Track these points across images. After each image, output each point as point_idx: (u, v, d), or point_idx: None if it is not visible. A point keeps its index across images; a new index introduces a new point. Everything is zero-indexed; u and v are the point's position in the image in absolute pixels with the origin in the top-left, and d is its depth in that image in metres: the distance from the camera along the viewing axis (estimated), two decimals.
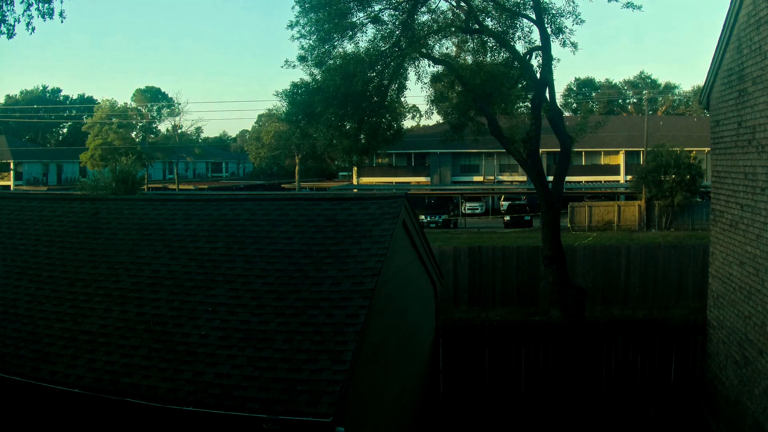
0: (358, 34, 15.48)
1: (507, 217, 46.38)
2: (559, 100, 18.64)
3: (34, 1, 11.69)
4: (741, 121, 11.41)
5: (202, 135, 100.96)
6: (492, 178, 59.08)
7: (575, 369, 13.73)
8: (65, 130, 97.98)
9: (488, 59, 16.09)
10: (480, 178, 59.37)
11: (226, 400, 6.56)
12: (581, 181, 55.45)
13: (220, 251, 8.87)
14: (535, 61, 15.96)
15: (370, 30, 15.70)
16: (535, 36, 17.37)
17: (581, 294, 15.90)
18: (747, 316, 11.11)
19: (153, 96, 78.80)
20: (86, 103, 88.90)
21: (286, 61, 16.85)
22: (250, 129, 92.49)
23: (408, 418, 10.60)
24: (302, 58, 16.06)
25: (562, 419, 13.62)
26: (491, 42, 15.35)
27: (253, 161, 78.57)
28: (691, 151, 42.48)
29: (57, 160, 79.59)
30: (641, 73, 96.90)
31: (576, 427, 13.35)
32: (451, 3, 15.87)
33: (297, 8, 15.34)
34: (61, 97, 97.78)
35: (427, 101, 18.55)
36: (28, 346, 7.68)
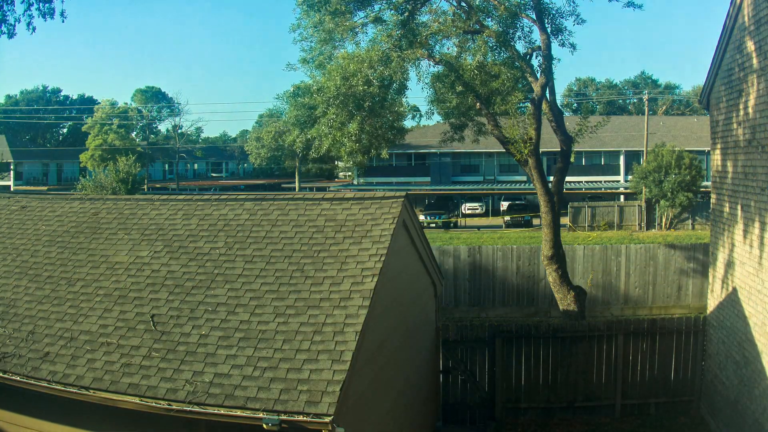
0: (359, 35, 15.51)
1: (507, 217, 46.36)
2: (559, 100, 18.64)
3: (34, 1, 11.71)
4: (741, 121, 11.41)
5: (203, 135, 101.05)
6: (492, 178, 59.06)
7: (575, 369, 13.72)
8: (65, 130, 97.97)
9: (489, 59, 16.09)
10: (480, 178, 59.35)
11: (226, 400, 6.56)
12: (581, 181, 55.44)
13: (220, 251, 8.87)
14: (536, 61, 15.99)
15: (371, 30, 15.72)
16: (536, 36, 17.36)
17: (581, 294, 15.90)
18: (747, 316, 11.12)
19: (153, 96, 78.86)
20: (86, 103, 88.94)
21: (288, 64, 16.95)
22: (250, 129, 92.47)
23: (408, 418, 10.60)
24: (304, 61, 16.10)
25: (561, 419, 13.62)
26: (492, 42, 15.34)
27: (253, 161, 78.58)
28: (691, 151, 42.47)
29: (57, 160, 79.65)
30: (642, 73, 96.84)
31: (576, 426, 13.35)
32: (451, 3, 15.89)
33: (298, 11, 15.38)
34: (61, 97, 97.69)
35: (428, 101, 18.58)
36: (28, 346, 7.68)
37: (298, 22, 15.46)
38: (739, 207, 11.64)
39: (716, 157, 13.06)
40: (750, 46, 10.82)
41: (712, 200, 13.39)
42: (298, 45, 15.77)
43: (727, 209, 12.38)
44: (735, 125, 11.79)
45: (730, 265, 12.18)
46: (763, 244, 10.40)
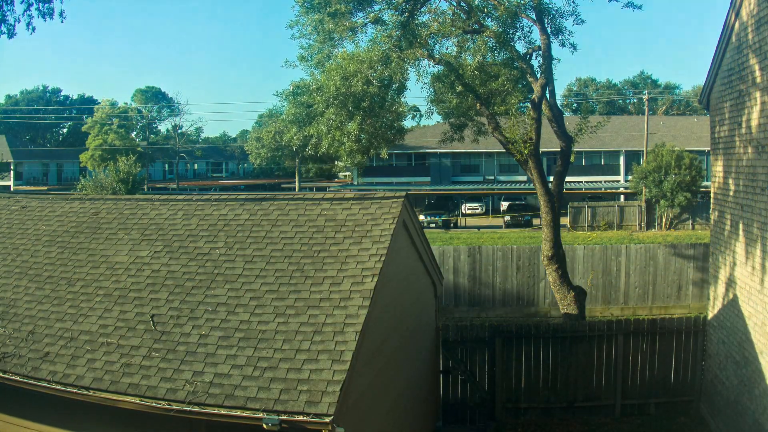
0: (359, 34, 15.49)
1: (507, 217, 46.37)
2: (559, 100, 18.64)
3: (34, 1, 11.70)
4: (741, 121, 11.41)
5: (203, 135, 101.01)
6: (492, 178, 59.04)
7: (575, 369, 13.72)
8: (65, 130, 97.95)
9: (489, 59, 16.08)
10: (480, 178, 59.34)
11: (226, 400, 6.57)
12: (581, 181, 55.44)
13: (220, 251, 8.87)
14: (536, 61, 15.98)
15: (371, 30, 15.70)
16: (536, 36, 17.36)
17: (581, 294, 15.90)
18: (747, 316, 11.12)
19: (153, 96, 78.82)
20: (86, 103, 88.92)
21: (287, 61, 16.90)
22: (250, 129, 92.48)
23: (408, 418, 10.60)
24: (303, 58, 16.07)
25: (561, 419, 13.62)
26: (492, 42, 15.34)
27: (253, 161, 78.59)
28: (691, 151, 42.47)
29: (57, 160, 79.65)
30: (642, 73, 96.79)
31: (576, 426, 13.35)
32: (451, 3, 15.88)
33: (297, 8, 15.36)
34: (61, 97, 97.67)
35: (428, 101, 18.57)
36: (28, 346, 7.69)
37: (296, 19, 15.45)
38: (739, 207, 11.64)
39: (716, 158, 13.06)
40: (750, 46, 10.82)
41: (712, 200, 13.39)
42: (297, 42, 15.76)
43: (727, 210, 12.38)
44: (735, 125, 11.79)
45: (730, 265, 12.18)
46: (763, 245, 10.40)
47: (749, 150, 11.02)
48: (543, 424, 13.47)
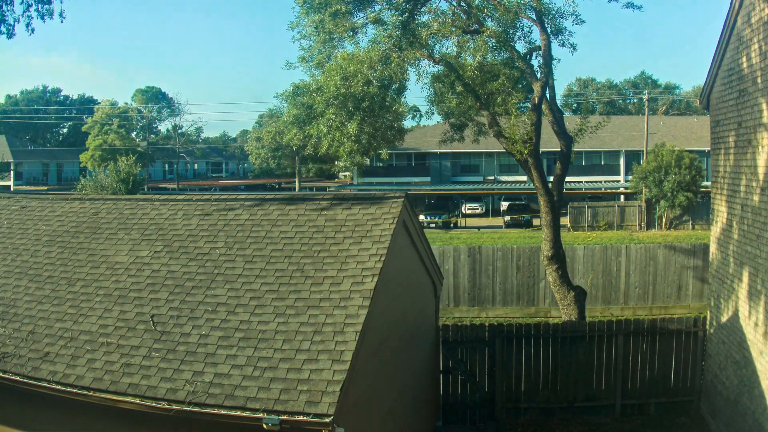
0: (359, 35, 15.48)
1: (507, 217, 46.34)
2: (559, 100, 18.65)
3: (33, 2, 11.66)
4: (741, 121, 11.41)
5: (203, 135, 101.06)
6: (492, 178, 59.02)
7: (575, 369, 13.72)
8: (65, 130, 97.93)
9: (489, 59, 16.07)
10: (480, 178, 59.32)
11: (226, 400, 6.57)
12: (581, 181, 55.42)
13: (220, 251, 8.87)
14: (536, 61, 15.97)
15: (371, 30, 15.68)
16: (536, 36, 17.34)
17: (581, 294, 15.90)
18: (747, 316, 11.12)
19: (153, 96, 78.83)
20: (86, 103, 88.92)
21: (287, 63, 16.85)
22: (250, 129, 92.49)
23: (408, 418, 10.60)
24: (303, 59, 16.06)
25: (561, 419, 13.61)
26: (492, 42, 15.32)
27: (253, 161, 78.57)
28: (691, 151, 42.46)
29: (57, 160, 79.63)
30: (642, 73, 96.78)
31: (576, 427, 13.35)
32: (451, 3, 15.87)
33: (297, 9, 15.36)
34: (61, 97, 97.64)
35: (428, 101, 18.56)
36: (28, 346, 7.69)
37: (296, 21, 15.44)
38: (739, 206, 11.64)
39: (716, 157, 13.06)
40: (750, 46, 10.81)
41: (712, 200, 13.39)
42: (297, 43, 15.75)
43: (726, 209, 12.38)
44: (735, 125, 11.79)
45: (729, 264, 12.17)
46: (762, 245, 10.39)
47: (749, 150, 11.02)
48: (543, 424, 13.47)
